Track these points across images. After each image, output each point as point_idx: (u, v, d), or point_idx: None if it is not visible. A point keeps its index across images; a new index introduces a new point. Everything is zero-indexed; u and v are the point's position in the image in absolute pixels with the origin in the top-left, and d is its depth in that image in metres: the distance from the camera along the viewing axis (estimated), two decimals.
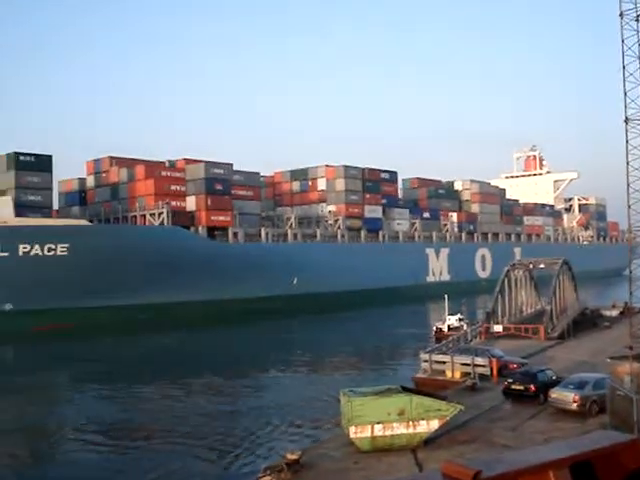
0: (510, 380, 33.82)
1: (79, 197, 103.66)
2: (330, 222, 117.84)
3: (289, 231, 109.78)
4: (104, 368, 53.12)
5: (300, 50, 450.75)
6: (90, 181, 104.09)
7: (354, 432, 24.68)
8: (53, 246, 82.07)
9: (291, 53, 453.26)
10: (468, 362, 38.30)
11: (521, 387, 32.97)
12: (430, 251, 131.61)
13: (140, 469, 25.08)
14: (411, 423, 25.23)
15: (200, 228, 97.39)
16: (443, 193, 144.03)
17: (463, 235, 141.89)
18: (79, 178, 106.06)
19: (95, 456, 27.79)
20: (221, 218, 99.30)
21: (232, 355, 59.57)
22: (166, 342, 71.29)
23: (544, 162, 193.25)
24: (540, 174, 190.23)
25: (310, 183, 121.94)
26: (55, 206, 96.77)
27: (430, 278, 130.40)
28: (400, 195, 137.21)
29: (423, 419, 25.35)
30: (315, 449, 25.03)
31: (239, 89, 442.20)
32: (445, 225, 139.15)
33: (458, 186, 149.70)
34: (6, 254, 79.84)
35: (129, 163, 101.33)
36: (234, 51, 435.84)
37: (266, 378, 45.26)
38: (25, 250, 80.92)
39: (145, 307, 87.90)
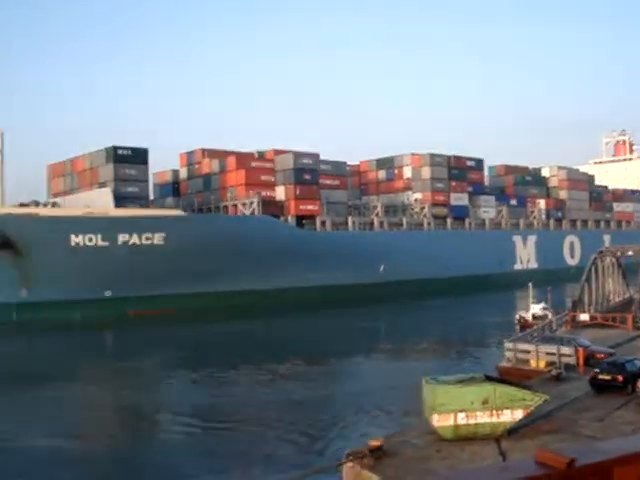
0: (597, 370, 32.79)
1: (172, 188, 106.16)
2: (416, 210, 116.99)
3: (375, 219, 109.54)
4: (195, 353, 54.30)
5: (380, 34, 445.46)
6: (183, 173, 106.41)
7: (437, 420, 24.43)
8: (150, 235, 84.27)
9: (372, 39, 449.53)
10: (553, 351, 37.35)
11: (608, 377, 31.94)
12: (517, 238, 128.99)
13: (229, 452, 25.56)
14: (495, 412, 24.81)
15: (289, 217, 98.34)
16: (530, 180, 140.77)
17: (551, 222, 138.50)
18: (172, 170, 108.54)
19: (187, 438, 28.44)
20: (309, 207, 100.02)
21: (318, 341, 59.94)
22: (256, 328, 72.30)
23: (634, 147, 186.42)
24: (630, 159, 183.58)
25: (396, 171, 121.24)
26: (150, 197, 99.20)
27: (517, 266, 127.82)
28: (486, 182, 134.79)
29: (507, 408, 24.90)
30: (397, 436, 24.89)
31: (322, 77, 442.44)
32: (532, 212, 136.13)
33: (545, 173, 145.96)
34: (106, 243, 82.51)
35: (220, 155, 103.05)
36: (320, 40, 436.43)
37: (351, 365, 45.36)
38: (124, 239, 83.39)
39: (236, 294, 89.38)
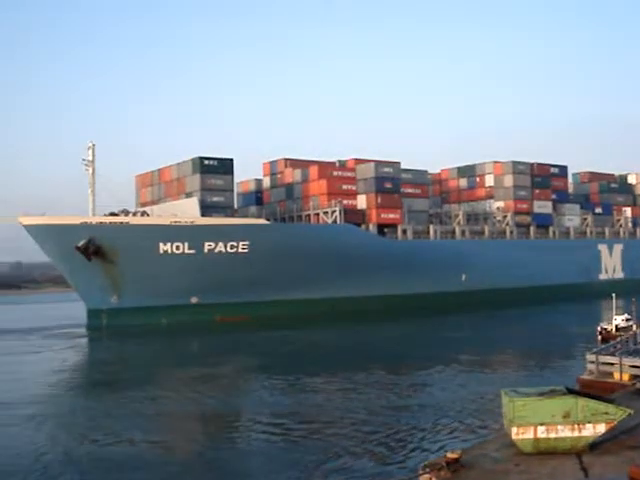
0: None
1: (255, 197, 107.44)
2: (498, 218, 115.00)
3: (457, 228, 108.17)
4: (275, 359, 54.60)
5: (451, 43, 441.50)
6: (266, 182, 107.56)
7: (516, 433, 23.78)
8: (235, 243, 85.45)
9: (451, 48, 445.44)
10: (638, 364, 36.01)
11: None
12: (603, 247, 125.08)
13: (308, 460, 25.55)
14: (576, 426, 24.00)
15: (371, 225, 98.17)
16: (616, 187, 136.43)
17: (638, 231, 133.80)
18: (255, 179, 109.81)
19: (267, 444, 28.57)
20: (391, 216, 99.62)
21: (398, 350, 59.43)
22: (335, 335, 72.27)
23: None
24: None
25: (478, 179, 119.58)
26: (234, 206, 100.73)
27: (603, 275, 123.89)
28: (570, 190, 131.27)
29: (589, 422, 24.04)
30: (476, 449, 24.34)
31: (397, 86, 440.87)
32: (618, 220, 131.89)
33: (632, 180, 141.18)
34: (193, 251, 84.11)
35: (302, 164, 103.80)
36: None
37: (429, 374, 44.72)
38: (210, 247, 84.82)
39: (319, 301, 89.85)
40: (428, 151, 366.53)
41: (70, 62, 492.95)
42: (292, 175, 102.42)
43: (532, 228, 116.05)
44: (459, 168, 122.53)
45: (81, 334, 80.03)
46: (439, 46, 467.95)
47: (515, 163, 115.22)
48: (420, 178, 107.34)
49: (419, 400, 35.46)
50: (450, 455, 22.01)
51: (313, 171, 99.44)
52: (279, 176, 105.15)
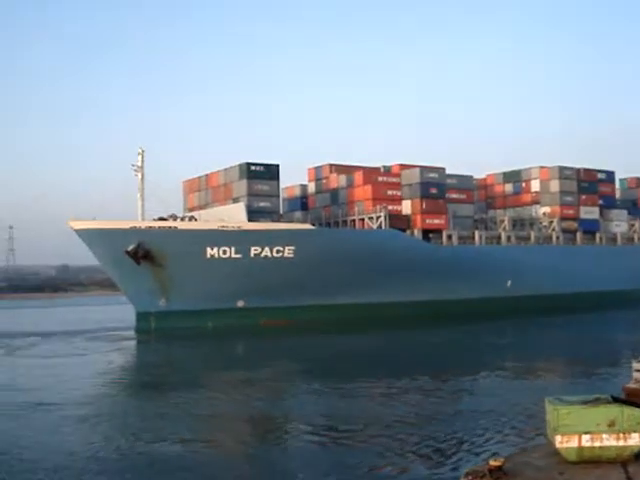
0: None
1: (300, 202, 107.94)
2: (544, 224, 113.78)
3: (502, 233, 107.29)
4: (318, 364, 54.76)
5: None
6: (311, 187, 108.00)
7: (560, 442, 23.62)
8: (281, 248, 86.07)
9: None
10: None
11: None
12: None
13: (351, 461, 25.77)
14: (622, 435, 23.76)
15: (416, 231, 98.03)
16: None
17: None
18: (300, 185, 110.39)
19: (313, 445, 28.77)
20: (436, 221, 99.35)
21: (442, 356, 59.21)
22: (379, 341, 72.24)
23: None
24: None
25: (523, 185, 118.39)
26: (280, 211, 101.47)
27: None
28: (618, 195, 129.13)
29: (635, 432, 23.81)
30: (518, 456, 24.22)
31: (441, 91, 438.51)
32: None
33: None
34: (239, 256, 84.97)
35: (347, 169, 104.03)
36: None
37: (474, 380, 44.49)
38: (256, 252, 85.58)
39: (364, 306, 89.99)
40: (473, 156, 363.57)
41: (117, 65, 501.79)
42: (337, 180, 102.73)
43: (578, 234, 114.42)
44: (505, 173, 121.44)
45: (128, 337, 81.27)
46: (487, 52, 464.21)
47: (561, 168, 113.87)
48: (465, 183, 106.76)
49: (462, 406, 35.35)
50: (493, 462, 21.90)
51: (358, 176, 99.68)
52: (324, 181, 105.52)
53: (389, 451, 26.81)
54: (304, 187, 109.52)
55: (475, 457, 25.69)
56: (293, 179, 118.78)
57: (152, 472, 25.47)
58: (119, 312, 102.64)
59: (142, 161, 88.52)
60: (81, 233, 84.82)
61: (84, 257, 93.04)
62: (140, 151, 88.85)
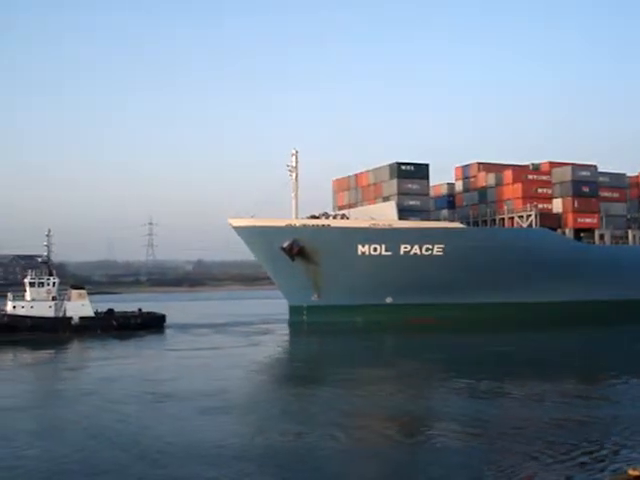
0: None
1: (447, 201, 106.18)
2: None
3: None
4: (462, 362, 53.37)
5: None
6: (458, 186, 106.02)
7: None
8: (430, 246, 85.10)
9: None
10: None
11: None
12: None
13: (490, 466, 24.80)
14: None
15: (567, 230, 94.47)
16: None
17: None
18: (448, 183, 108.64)
19: (456, 443, 27.96)
20: (587, 220, 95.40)
21: (590, 358, 56.15)
22: (527, 340, 69.67)
23: None
24: None
25: None
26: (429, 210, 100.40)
27: None
28: None
29: None
30: None
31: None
32: None
33: None
34: (389, 253, 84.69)
35: (495, 168, 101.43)
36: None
37: (618, 386, 41.86)
38: (405, 250, 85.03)
39: (513, 305, 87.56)
40: (625, 152, 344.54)
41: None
42: (485, 179, 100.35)
43: None
44: None
45: (274, 330, 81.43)
46: None
47: None
48: (618, 181, 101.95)
49: (605, 412, 33.21)
50: (632, 472, 20.60)
51: (507, 175, 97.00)
52: (472, 180, 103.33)
53: (525, 457, 25.49)
54: (451, 185, 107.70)
55: (614, 465, 24.03)
56: (439, 178, 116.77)
57: (300, 464, 25.26)
58: (258, 306, 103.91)
59: (296, 161, 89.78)
60: (240, 230, 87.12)
61: (217, 252, 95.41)
62: (294, 152, 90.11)
